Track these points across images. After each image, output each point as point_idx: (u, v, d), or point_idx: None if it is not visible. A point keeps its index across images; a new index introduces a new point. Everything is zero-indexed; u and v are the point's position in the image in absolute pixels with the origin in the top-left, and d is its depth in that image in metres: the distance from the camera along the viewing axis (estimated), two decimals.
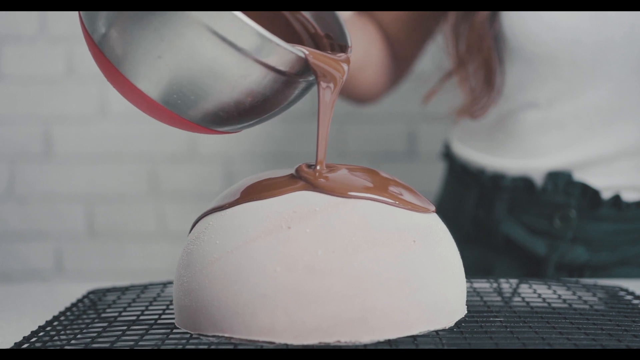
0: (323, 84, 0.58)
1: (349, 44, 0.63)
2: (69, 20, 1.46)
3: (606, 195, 0.88)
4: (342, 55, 0.60)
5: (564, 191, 0.89)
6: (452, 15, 0.90)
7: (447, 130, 1.02)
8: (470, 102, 0.91)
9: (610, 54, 0.85)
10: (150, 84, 0.55)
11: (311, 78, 0.58)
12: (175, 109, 0.56)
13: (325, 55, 0.58)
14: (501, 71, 0.89)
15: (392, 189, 0.58)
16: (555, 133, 0.89)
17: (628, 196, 0.88)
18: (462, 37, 0.89)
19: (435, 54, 0.96)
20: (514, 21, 0.86)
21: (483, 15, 0.87)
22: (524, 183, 0.91)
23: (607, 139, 0.88)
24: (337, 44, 0.65)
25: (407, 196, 0.58)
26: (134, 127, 1.49)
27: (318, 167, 0.58)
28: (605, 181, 0.88)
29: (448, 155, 1.00)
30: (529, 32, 0.86)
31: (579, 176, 0.89)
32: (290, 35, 0.66)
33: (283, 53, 0.55)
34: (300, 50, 0.56)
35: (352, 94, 0.99)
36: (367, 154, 1.49)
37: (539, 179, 0.90)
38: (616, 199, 0.88)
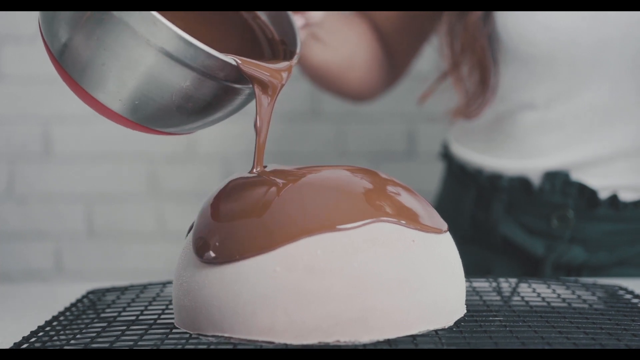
0: (259, 92, 0.59)
1: (297, 51, 0.65)
2: None
3: (603, 195, 0.88)
4: (284, 64, 0.62)
5: (561, 191, 0.89)
6: (447, 16, 0.90)
7: (446, 130, 1.02)
8: (465, 103, 0.91)
9: (608, 54, 0.85)
10: (96, 88, 0.57)
11: (251, 85, 0.59)
12: (122, 112, 0.58)
13: (260, 64, 0.59)
14: (495, 72, 0.89)
15: (393, 199, 0.58)
16: (552, 133, 0.89)
17: (625, 196, 0.88)
18: (456, 38, 0.89)
19: (434, 54, 0.96)
20: (508, 21, 0.86)
21: (476, 15, 0.86)
22: (521, 183, 0.90)
23: (605, 139, 0.88)
24: (290, 50, 0.66)
25: (417, 207, 0.58)
26: None
27: (255, 171, 0.60)
28: (602, 181, 0.88)
29: (446, 155, 1.00)
30: (524, 33, 0.86)
31: (577, 176, 0.89)
32: (250, 41, 0.68)
33: (214, 61, 0.56)
34: (232, 59, 0.57)
35: (343, 92, 0.99)
36: (366, 154, 1.49)
37: (536, 179, 0.90)
38: (613, 199, 0.88)
